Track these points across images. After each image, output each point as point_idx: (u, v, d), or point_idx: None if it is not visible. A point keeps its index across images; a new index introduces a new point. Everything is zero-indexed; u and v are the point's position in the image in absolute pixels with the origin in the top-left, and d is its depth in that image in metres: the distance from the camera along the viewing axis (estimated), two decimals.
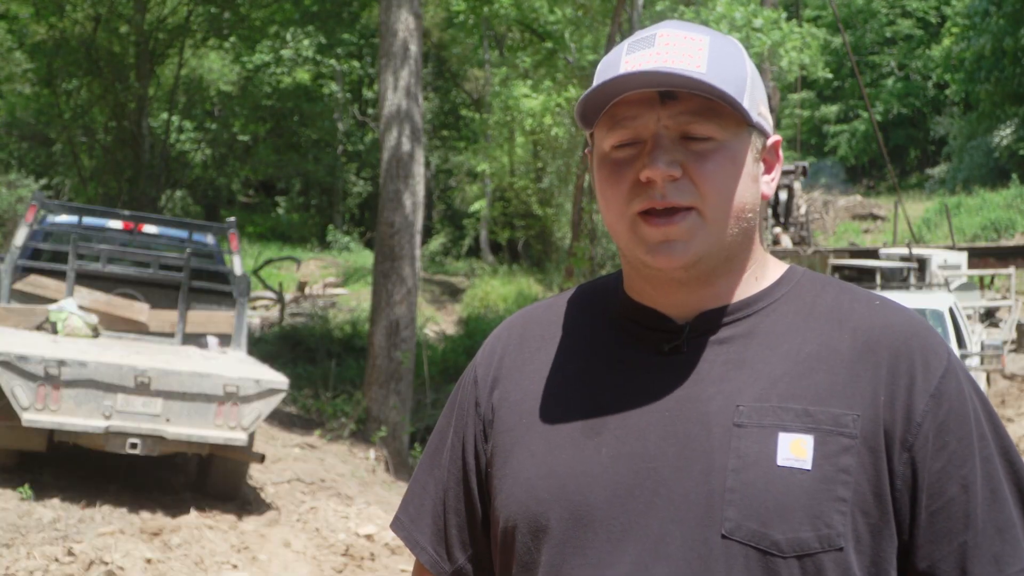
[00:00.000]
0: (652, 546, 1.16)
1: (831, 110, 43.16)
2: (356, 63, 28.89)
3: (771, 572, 1.13)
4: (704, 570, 1.14)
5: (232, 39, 22.29)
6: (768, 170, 1.28)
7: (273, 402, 6.95)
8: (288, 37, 23.03)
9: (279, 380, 6.97)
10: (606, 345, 1.29)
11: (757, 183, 1.25)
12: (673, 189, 1.18)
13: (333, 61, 25.01)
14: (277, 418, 10.63)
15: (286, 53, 23.17)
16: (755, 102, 1.23)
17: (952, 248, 20.90)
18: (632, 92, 1.19)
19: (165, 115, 22.28)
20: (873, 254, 20.21)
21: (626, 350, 1.27)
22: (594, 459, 1.21)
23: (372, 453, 10.54)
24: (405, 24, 11.40)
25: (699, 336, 1.24)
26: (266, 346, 14.73)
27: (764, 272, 1.28)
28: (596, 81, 1.21)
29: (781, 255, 18.03)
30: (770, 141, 1.27)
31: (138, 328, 7.90)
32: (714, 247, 1.21)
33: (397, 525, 1.41)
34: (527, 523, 1.24)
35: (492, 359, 1.37)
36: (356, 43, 26.08)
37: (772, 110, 19.87)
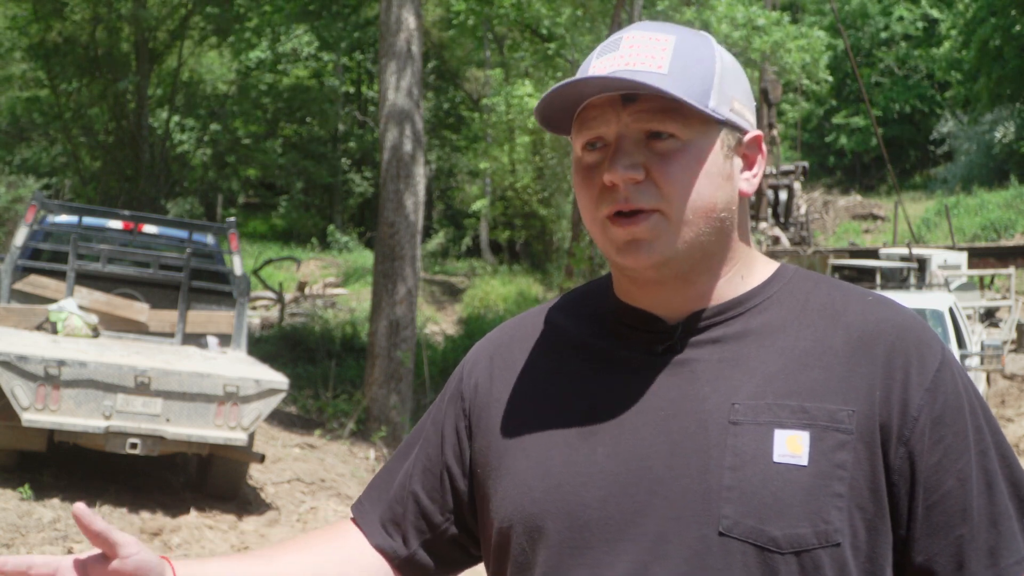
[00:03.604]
0: (650, 545, 1.16)
1: (832, 104, 43.07)
2: (358, 55, 28.89)
3: (769, 569, 1.13)
4: (702, 568, 1.14)
5: (231, 39, 22.30)
6: (749, 166, 1.27)
7: (273, 402, 6.95)
8: (286, 35, 23.04)
9: (279, 380, 6.97)
10: (599, 347, 1.29)
11: (730, 181, 1.23)
12: (636, 192, 1.18)
13: (328, 55, 24.99)
14: (277, 418, 10.63)
15: (284, 49, 23.19)
16: (727, 98, 1.22)
17: (952, 248, 20.90)
18: (597, 96, 1.20)
19: (165, 115, 22.29)
20: (873, 254, 20.22)
21: (619, 351, 1.27)
22: (590, 459, 1.22)
23: (372, 453, 10.54)
24: (406, 24, 11.40)
25: (692, 336, 1.24)
26: (266, 346, 14.73)
27: (751, 270, 1.28)
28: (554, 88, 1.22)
29: (781, 255, 18.03)
30: (748, 136, 1.26)
31: (138, 328, 7.91)
32: (682, 247, 1.20)
33: (357, 507, 1.42)
34: (523, 524, 1.24)
35: (480, 359, 1.38)
36: (354, 37, 26.04)
37: (772, 103, 19.90)
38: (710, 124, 1.21)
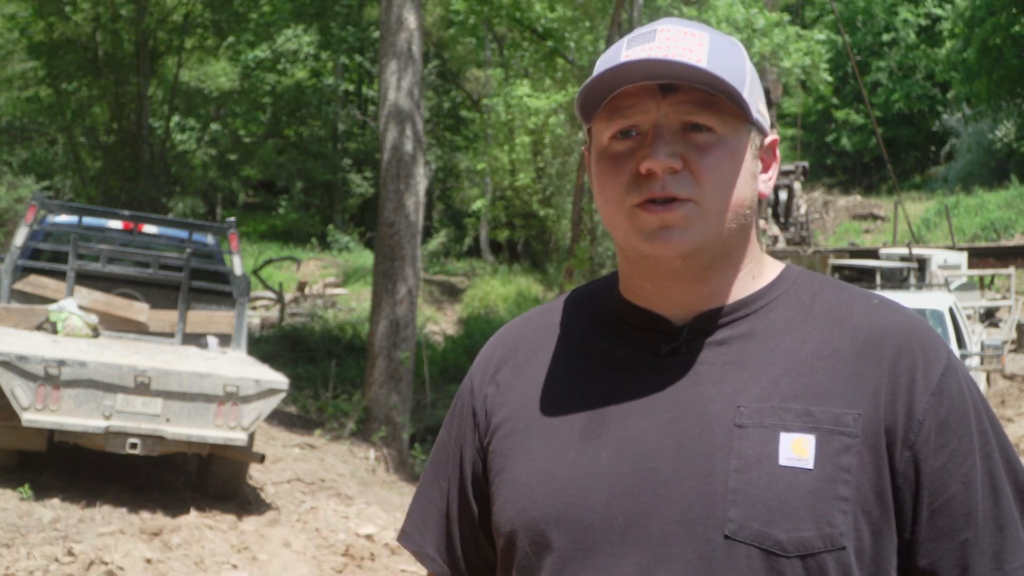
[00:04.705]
0: (654, 548, 1.16)
1: (833, 102, 43.01)
2: (358, 56, 28.88)
3: (775, 572, 1.13)
4: (707, 571, 1.14)
5: (231, 39, 22.30)
6: (765, 169, 1.28)
7: (273, 402, 6.95)
8: (287, 35, 23.05)
9: (279, 380, 6.97)
10: (603, 348, 1.28)
11: (755, 180, 1.25)
12: (673, 181, 1.18)
13: (327, 54, 24.97)
14: (277, 418, 10.63)
15: (285, 49, 23.19)
16: (754, 100, 1.23)
17: (952, 248, 20.90)
18: (633, 85, 1.19)
19: (166, 115, 22.29)
20: (873, 254, 20.22)
21: (624, 352, 1.26)
22: (594, 462, 1.21)
23: (372, 453, 10.54)
24: (407, 24, 11.40)
25: (697, 337, 1.23)
26: (266, 346, 14.73)
27: (761, 271, 1.28)
28: (596, 73, 1.21)
29: (781, 255, 18.03)
30: (767, 140, 1.27)
31: (138, 328, 7.90)
32: (711, 239, 1.20)
33: (406, 539, 1.42)
34: (526, 528, 1.23)
35: (488, 367, 1.36)
36: (356, 37, 26.05)
37: (772, 103, 19.94)
38: (742, 122, 1.21)
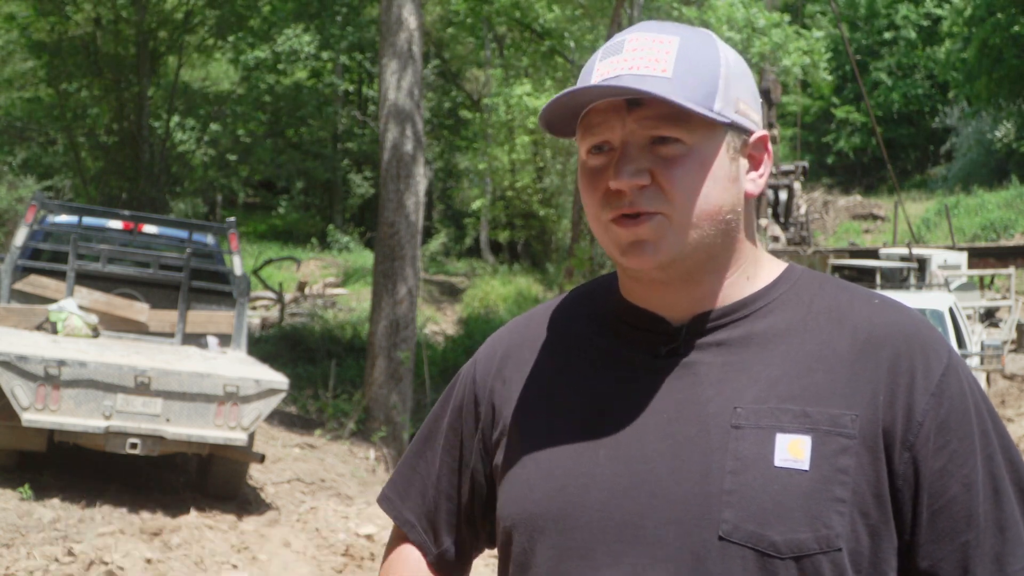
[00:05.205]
0: (648, 548, 1.16)
1: (833, 101, 43.03)
2: (358, 55, 28.89)
3: (769, 573, 1.13)
4: (702, 572, 1.14)
5: (231, 38, 22.30)
6: (755, 166, 1.26)
7: (273, 402, 6.95)
8: (287, 35, 23.05)
9: (279, 380, 6.97)
10: (603, 347, 1.29)
11: (736, 183, 1.22)
12: (641, 196, 1.18)
13: (328, 53, 24.95)
14: (277, 418, 10.63)
15: (285, 49, 23.19)
16: (732, 99, 1.21)
17: (952, 248, 20.90)
18: (601, 101, 1.19)
19: (165, 115, 22.29)
20: (873, 254, 20.23)
21: (622, 352, 1.27)
22: (592, 461, 1.21)
23: (372, 453, 10.54)
24: (407, 24, 11.39)
25: (696, 338, 1.23)
26: (266, 346, 14.72)
27: (757, 271, 1.27)
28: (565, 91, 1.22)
29: (780, 255, 18.02)
30: (754, 136, 1.25)
31: (138, 328, 7.91)
32: (687, 250, 1.20)
33: (385, 502, 1.43)
34: (524, 524, 1.24)
35: (492, 361, 1.37)
36: (355, 36, 26.07)
37: (773, 103, 19.94)
38: (715, 127, 1.19)
